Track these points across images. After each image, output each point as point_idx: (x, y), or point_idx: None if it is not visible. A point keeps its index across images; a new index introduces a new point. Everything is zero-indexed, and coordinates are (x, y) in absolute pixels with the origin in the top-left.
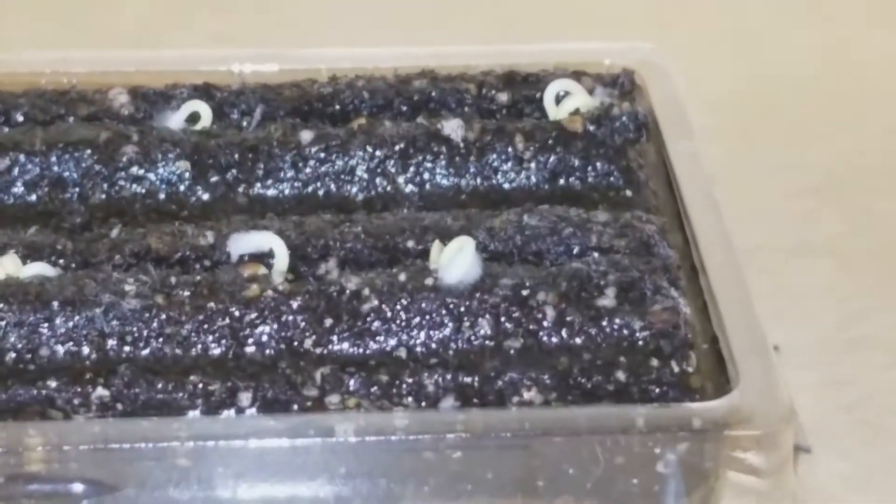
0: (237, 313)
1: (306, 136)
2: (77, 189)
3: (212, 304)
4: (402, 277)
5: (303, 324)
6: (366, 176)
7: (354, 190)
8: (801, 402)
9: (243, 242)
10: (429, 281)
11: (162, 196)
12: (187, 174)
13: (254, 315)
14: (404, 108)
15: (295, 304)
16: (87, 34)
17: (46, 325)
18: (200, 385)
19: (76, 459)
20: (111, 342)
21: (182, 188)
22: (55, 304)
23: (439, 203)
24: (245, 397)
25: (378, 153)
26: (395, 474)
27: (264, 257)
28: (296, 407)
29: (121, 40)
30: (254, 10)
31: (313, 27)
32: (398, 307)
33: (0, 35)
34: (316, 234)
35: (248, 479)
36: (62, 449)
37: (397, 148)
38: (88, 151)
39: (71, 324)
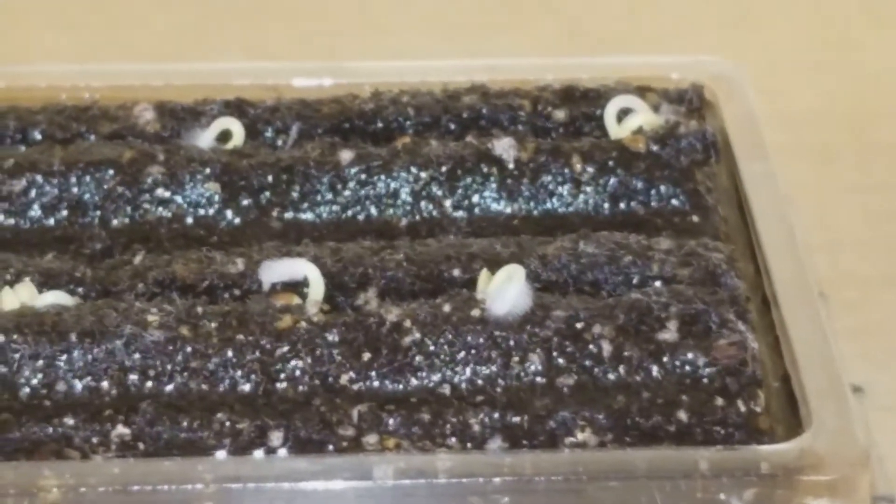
0: (268, 346)
1: (346, 155)
2: (98, 212)
3: (241, 337)
4: (447, 308)
5: (339, 358)
6: (410, 199)
7: (397, 214)
8: (887, 449)
9: (276, 270)
10: (475, 312)
11: (189, 220)
12: (217, 197)
13: (286, 348)
14: (452, 126)
15: (331, 337)
16: (109, 47)
17: (63, 358)
18: (228, 423)
19: (94, 502)
20: (132, 377)
21: (211, 212)
22: (73, 335)
23: (488, 229)
24: (276, 437)
25: (423, 175)
26: None
27: (298, 286)
28: (331, 447)
29: (145, 54)
30: (288, 20)
31: (353, 40)
32: (442, 340)
33: (16, 47)
34: (354, 262)
35: None
36: (79, 491)
37: (444, 169)
38: (111, 172)
39: (90, 357)
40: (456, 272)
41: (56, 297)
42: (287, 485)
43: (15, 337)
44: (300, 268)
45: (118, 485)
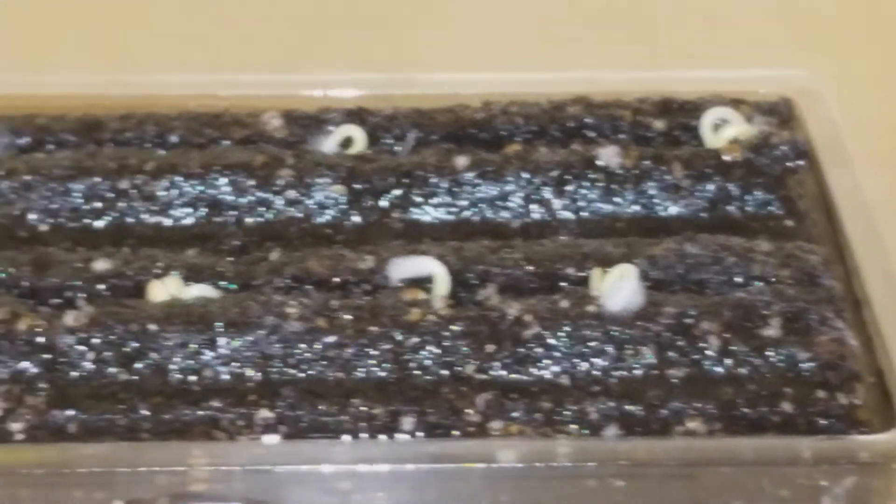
0: (399, 337)
1: (462, 161)
2: (233, 212)
3: (374, 328)
4: (565, 304)
5: (465, 349)
6: (521, 202)
7: (509, 216)
8: None
9: (404, 267)
10: (591, 308)
11: (317, 220)
12: (342, 198)
13: (416, 339)
14: (557, 135)
15: (457, 330)
16: (227, 58)
17: (210, 346)
18: (364, 408)
19: (240, 480)
20: (274, 364)
21: (337, 213)
22: (219, 325)
23: (595, 230)
24: (408, 421)
25: (534, 179)
26: (557, 502)
27: (423, 282)
28: (457, 432)
29: (262, 65)
30: (395, 34)
31: (457, 53)
32: (560, 334)
33: (146, 58)
34: (475, 260)
35: None
36: (226, 469)
37: (553, 174)
38: (244, 174)
39: (235, 345)
40: (570, 270)
41: (201, 290)
42: (416, 466)
43: (166, 326)
44: (427, 265)
45: (262, 464)
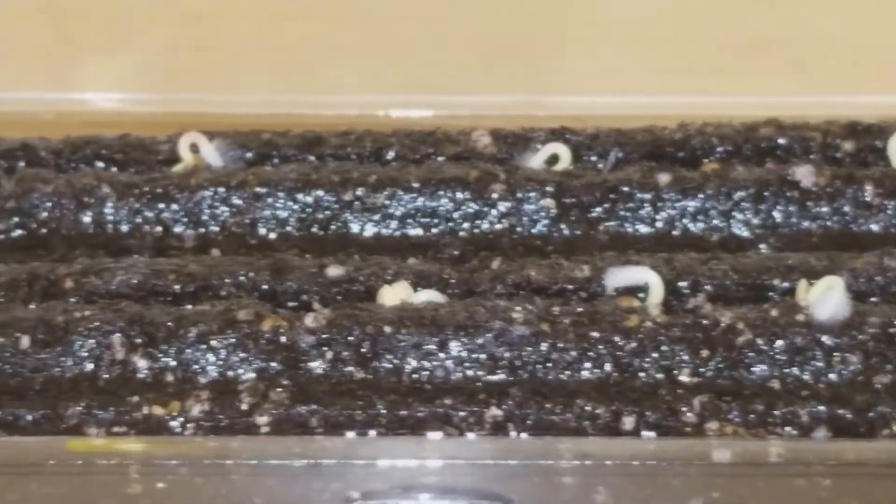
0: (619, 342)
1: (664, 178)
2: (449, 223)
3: (594, 333)
4: (774, 313)
5: (680, 354)
6: (720, 217)
7: (708, 230)
8: None
9: (621, 276)
10: (800, 317)
11: (528, 231)
12: (552, 211)
13: (634, 344)
14: (749, 154)
15: (673, 335)
16: (400, 80)
17: (442, 347)
18: (588, 408)
19: (470, 473)
20: (502, 365)
21: (546, 224)
22: (449, 328)
23: (790, 244)
24: (629, 421)
25: (732, 196)
26: (767, 499)
27: (636, 291)
28: (674, 432)
29: (434, 85)
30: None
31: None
32: (772, 341)
33: (316, 81)
34: (686, 270)
35: (627, 499)
36: (456, 463)
37: (750, 191)
38: (460, 188)
39: (464, 347)
40: (776, 281)
41: (429, 296)
42: (638, 463)
43: (399, 329)
44: (643, 274)
45: (493, 458)
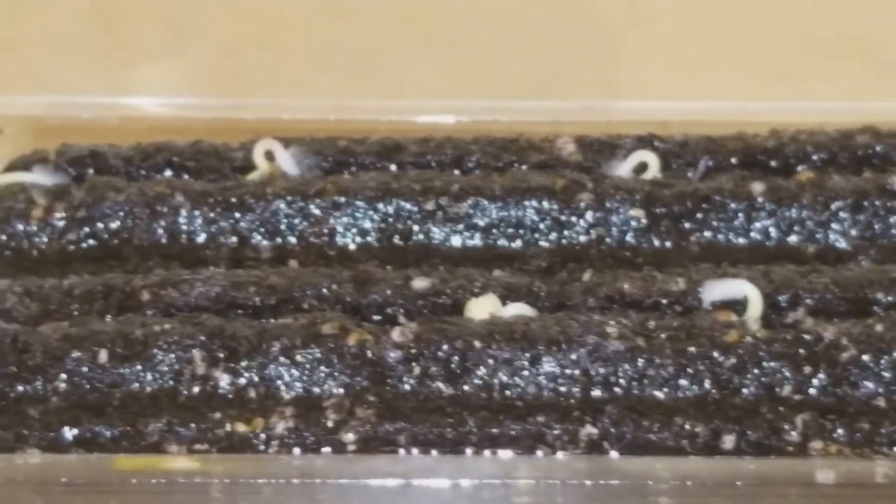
0: (718, 357)
1: (758, 187)
2: (535, 234)
3: (692, 348)
4: (879, 328)
5: (782, 370)
6: (816, 227)
7: (805, 241)
8: None
9: (718, 289)
10: None
11: (617, 242)
12: (642, 221)
13: (733, 360)
14: (845, 162)
15: (774, 351)
16: (470, 84)
17: (533, 363)
18: (687, 426)
19: (563, 493)
20: (596, 382)
21: (636, 235)
22: (541, 344)
23: (891, 257)
24: (729, 440)
25: (829, 206)
26: None
27: (733, 304)
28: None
29: (508, 91)
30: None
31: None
32: (877, 357)
33: (385, 82)
34: (785, 283)
35: None
36: (547, 483)
37: (848, 202)
38: (546, 198)
39: (557, 363)
40: (879, 294)
41: (519, 309)
42: (740, 484)
43: (490, 343)
44: (741, 287)
45: (588, 478)
